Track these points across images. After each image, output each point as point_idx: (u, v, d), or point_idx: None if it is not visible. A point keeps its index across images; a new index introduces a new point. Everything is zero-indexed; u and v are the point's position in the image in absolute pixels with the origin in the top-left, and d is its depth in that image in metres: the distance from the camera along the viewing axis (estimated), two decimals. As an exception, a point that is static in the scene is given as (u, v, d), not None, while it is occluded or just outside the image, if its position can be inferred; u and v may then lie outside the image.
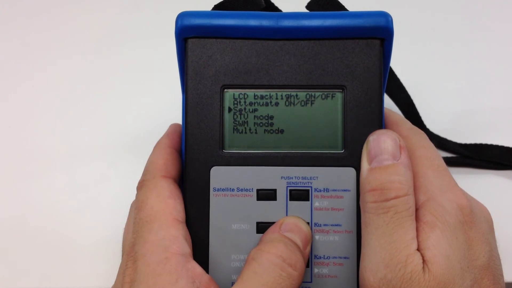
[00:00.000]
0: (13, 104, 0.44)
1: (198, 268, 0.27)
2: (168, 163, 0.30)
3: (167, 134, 0.32)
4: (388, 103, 0.42)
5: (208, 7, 0.31)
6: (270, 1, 0.33)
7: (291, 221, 0.29)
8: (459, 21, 0.48)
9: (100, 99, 0.44)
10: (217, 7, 0.31)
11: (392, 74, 0.40)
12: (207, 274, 0.27)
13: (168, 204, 0.28)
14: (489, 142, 0.41)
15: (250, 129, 0.30)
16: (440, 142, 0.41)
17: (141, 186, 0.30)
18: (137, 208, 0.29)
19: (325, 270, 0.29)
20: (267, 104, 0.30)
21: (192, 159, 0.30)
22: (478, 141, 0.41)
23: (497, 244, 0.29)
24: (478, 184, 0.40)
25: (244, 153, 0.30)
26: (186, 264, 0.27)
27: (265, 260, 0.26)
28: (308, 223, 0.29)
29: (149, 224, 0.28)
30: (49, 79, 0.45)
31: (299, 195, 0.29)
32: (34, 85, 0.45)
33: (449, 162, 0.41)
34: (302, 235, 0.28)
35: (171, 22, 0.30)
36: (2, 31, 0.48)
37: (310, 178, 0.30)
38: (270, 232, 0.28)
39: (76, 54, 0.46)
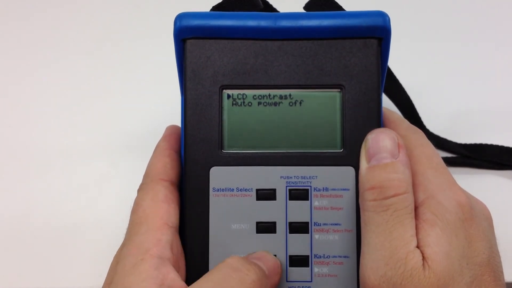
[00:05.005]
0: (13, 104, 0.44)
1: (172, 274, 0.27)
2: (167, 166, 0.30)
3: (164, 137, 0.32)
4: (388, 104, 0.42)
5: (207, 8, 0.31)
6: (268, 3, 0.33)
7: (258, 253, 0.29)
8: (458, 20, 0.48)
9: (100, 98, 0.44)
10: (215, 8, 0.32)
11: (391, 75, 0.40)
12: (181, 282, 0.27)
13: (161, 208, 0.29)
14: (489, 142, 0.41)
15: (249, 130, 0.30)
16: (440, 142, 0.41)
17: (139, 189, 0.30)
18: (132, 210, 0.29)
19: (325, 269, 0.29)
20: (265, 104, 0.30)
21: (192, 160, 0.30)
22: (478, 141, 0.41)
23: (497, 244, 0.29)
24: (478, 184, 0.40)
25: (243, 153, 0.30)
26: (160, 267, 0.26)
27: (219, 266, 0.27)
28: (275, 255, 0.29)
29: (138, 226, 0.28)
30: (50, 78, 0.45)
31: (299, 194, 0.29)
32: (34, 85, 0.45)
33: (449, 162, 0.41)
34: (269, 263, 0.28)
35: (172, 22, 0.30)
36: (1, 30, 0.48)
37: (310, 177, 0.30)
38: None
39: (77, 54, 0.47)
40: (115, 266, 0.28)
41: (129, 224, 0.29)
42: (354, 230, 0.29)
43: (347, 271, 0.29)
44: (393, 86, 0.41)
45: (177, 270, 0.28)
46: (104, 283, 0.28)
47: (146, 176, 0.31)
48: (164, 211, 0.29)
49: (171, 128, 0.33)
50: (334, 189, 0.29)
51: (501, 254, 0.29)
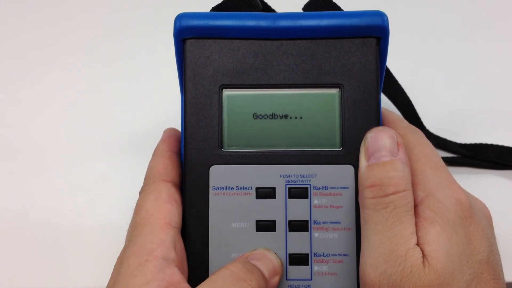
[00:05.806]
0: (12, 104, 0.44)
1: (177, 276, 0.27)
2: (168, 167, 0.30)
3: (163, 139, 0.32)
4: (388, 104, 0.42)
5: (206, 9, 0.32)
6: (267, 4, 0.33)
7: (259, 252, 0.29)
8: (458, 20, 0.48)
9: (100, 98, 0.44)
10: (215, 8, 0.32)
11: (390, 76, 0.40)
12: (186, 284, 0.27)
13: (164, 208, 0.29)
14: (489, 142, 0.41)
15: (249, 128, 0.30)
16: (439, 142, 0.41)
17: (141, 191, 0.30)
18: (134, 211, 0.29)
19: (325, 268, 0.29)
20: (265, 103, 0.30)
21: (191, 159, 0.30)
22: (478, 141, 0.41)
23: (497, 243, 0.29)
24: (478, 184, 0.40)
25: (243, 151, 0.30)
26: (165, 269, 0.27)
27: (222, 273, 0.27)
28: (275, 253, 0.29)
29: (141, 227, 0.28)
30: (49, 78, 0.45)
31: (298, 193, 0.30)
32: (34, 84, 0.45)
33: (449, 162, 0.41)
34: (269, 265, 0.28)
35: (172, 22, 0.30)
36: (0, 30, 0.48)
37: (309, 176, 0.30)
38: (236, 260, 0.29)
39: (76, 53, 0.47)
40: (119, 266, 0.27)
41: (131, 225, 0.29)
42: (353, 228, 0.29)
43: (347, 269, 0.29)
44: (392, 86, 0.41)
45: (181, 271, 0.28)
46: (108, 284, 0.28)
47: (147, 178, 0.31)
48: (167, 211, 0.29)
49: (170, 131, 0.33)
50: (333, 188, 0.30)
51: (501, 253, 0.29)
